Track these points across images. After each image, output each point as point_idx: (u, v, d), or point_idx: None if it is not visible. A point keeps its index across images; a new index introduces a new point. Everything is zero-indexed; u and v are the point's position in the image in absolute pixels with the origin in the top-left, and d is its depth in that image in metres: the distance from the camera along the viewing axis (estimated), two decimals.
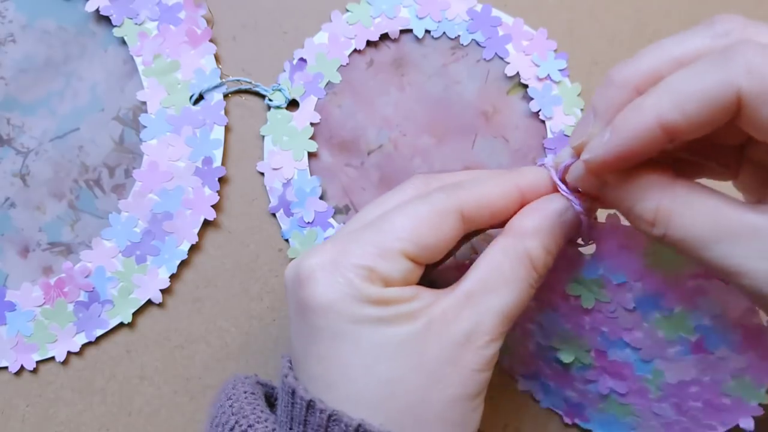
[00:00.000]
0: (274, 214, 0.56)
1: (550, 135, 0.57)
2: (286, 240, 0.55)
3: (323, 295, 0.39)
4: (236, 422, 0.40)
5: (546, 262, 0.41)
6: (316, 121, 0.57)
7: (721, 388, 0.45)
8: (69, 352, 0.54)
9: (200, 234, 0.55)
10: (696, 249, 0.35)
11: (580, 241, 0.44)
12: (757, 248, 0.34)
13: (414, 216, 0.40)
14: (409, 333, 0.38)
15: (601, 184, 0.39)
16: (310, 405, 0.38)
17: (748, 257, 0.34)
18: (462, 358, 0.39)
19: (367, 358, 0.38)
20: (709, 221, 0.35)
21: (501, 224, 0.42)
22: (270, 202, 0.56)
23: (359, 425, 0.37)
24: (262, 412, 0.41)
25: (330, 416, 0.37)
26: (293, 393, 0.39)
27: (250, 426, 0.39)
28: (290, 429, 0.39)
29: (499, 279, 0.40)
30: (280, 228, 0.55)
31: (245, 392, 0.42)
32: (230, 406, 0.42)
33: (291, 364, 0.42)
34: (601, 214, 0.43)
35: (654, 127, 0.35)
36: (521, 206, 0.42)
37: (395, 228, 0.40)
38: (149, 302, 0.54)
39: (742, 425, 0.46)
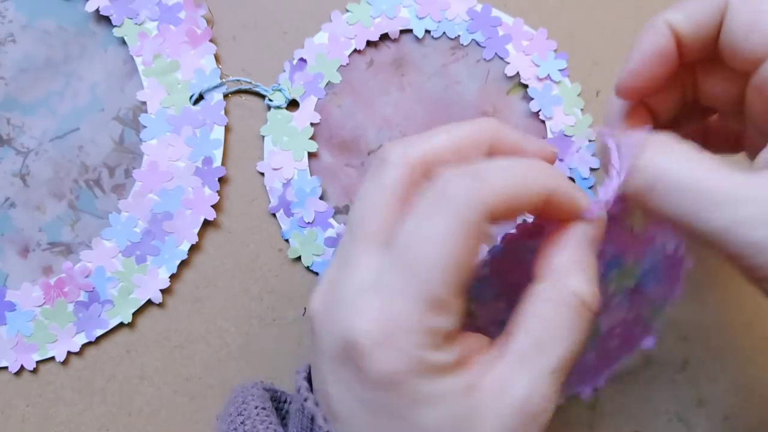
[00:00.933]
0: (274, 214, 0.56)
1: (550, 135, 0.57)
2: (286, 240, 0.55)
3: (378, 365, 0.34)
4: None
5: (597, 294, 0.37)
6: (316, 121, 0.57)
7: (640, 321, 0.45)
8: (69, 352, 0.54)
9: (200, 234, 0.55)
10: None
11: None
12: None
13: (447, 241, 0.34)
14: (469, 412, 0.34)
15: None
16: None
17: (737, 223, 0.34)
18: (518, 428, 0.34)
19: None
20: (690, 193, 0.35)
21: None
22: (270, 202, 0.56)
23: None
24: (275, 431, 0.39)
25: None
26: (312, 419, 0.37)
27: None
28: None
29: (554, 335, 0.35)
30: (280, 228, 0.55)
31: (257, 407, 0.40)
32: (242, 423, 0.39)
33: (309, 383, 0.39)
34: None
35: (665, 31, 0.40)
36: (541, 206, 0.37)
37: (436, 266, 0.34)
38: (149, 302, 0.54)
39: (644, 346, 0.45)
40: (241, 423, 0.39)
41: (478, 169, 0.35)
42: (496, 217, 0.35)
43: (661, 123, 0.45)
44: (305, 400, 0.38)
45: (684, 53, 0.41)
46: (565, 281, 0.36)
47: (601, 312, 0.43)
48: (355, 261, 0.36)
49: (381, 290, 0.34)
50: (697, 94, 0.45)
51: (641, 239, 0.42)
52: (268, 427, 0.39)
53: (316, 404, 0.38)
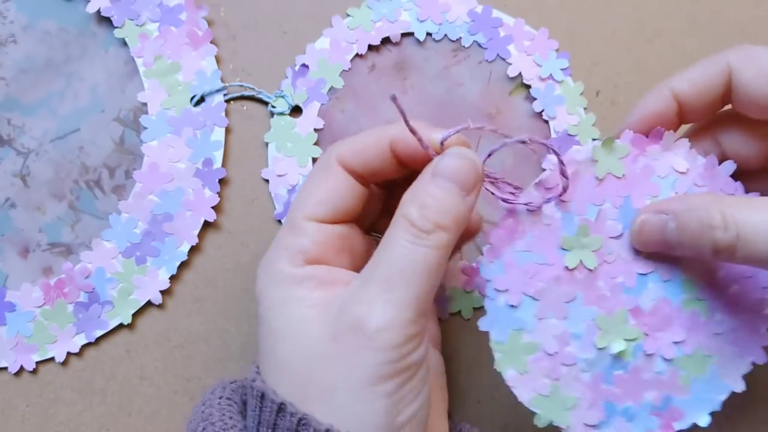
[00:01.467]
0: (274, 216, 0.55)
1: (553, 135, 0.57)
2: None
3: (257, 286, 0.43)
4: (203, 429, 0.40)
5: (425, 216, 0.40)
6: (320, 126, 0.57)
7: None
8: (68, 353, 0.54)
9: (200, 235, 0.55)
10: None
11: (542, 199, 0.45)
12: None
13: (307, 184, 0.45)
14: (303, 316, 0.40)
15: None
16: (280, 408, 0.38)
17: None
18: (343, 341, 0.39)
19: (273, 340, 0.41)
20: None
21: (383, 168, 0.45)
22: (275, 208, 0.56)
23: (327, 430, 0.37)
24: (230, 418, 0.41)
25: (300, 420, 0.38)
26: (262, 396, 0.39)
27: None
28: None
29: (383, 250, 0.40)
30: None
31: (220, 398, 0.43)
32: (202, 411, 0.42)
33: (258, 369, 0.42)
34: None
35: (667, 96, 0.45)
36: (392, 154, 0.44)
37: (296, 203, 0.45)
38: (149, 303, 0.54)
39: None
40: (202, 411, 0.42)
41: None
42: (348, 160, 0.44)
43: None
44: (253, 380, 0.41)
45: (688, 115, 0.46)
46: (402, 209, 0.41)
47: (663, 260, 0.45)
48: None
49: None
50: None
51: (635, 177, 0.45)
52: (223, 415, 0.41)
53: (264, 383, 0.41)
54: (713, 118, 0.47)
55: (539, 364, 0.45)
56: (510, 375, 0.45)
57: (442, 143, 0.42)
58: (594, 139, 0.47)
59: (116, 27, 0.56)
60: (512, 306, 0.45)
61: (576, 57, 0.58)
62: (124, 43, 0.57)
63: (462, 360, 0.55)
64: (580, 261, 0.45)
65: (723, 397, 0.45)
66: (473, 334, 0.55)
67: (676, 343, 0.45)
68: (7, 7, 0.57)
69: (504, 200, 0.45)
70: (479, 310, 0.55)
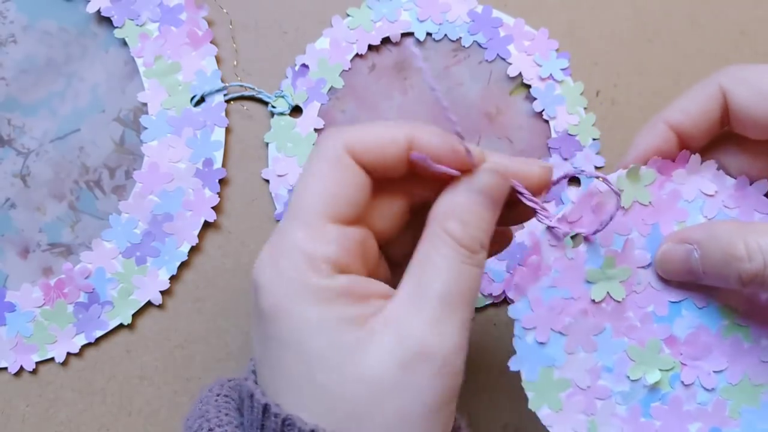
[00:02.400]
0: (274, 215, 0.55)
1: (554, 134, 0.57)
2: None
3: (268, 299, 0.37)
4: (199, 426, 0.39)
5: (472, 235, 0.39)
6: (320, 126, 0.57)
7: None
8: (69, 353, 0.54)
9: (200, 235, 0.55)
10: None
11: (562, 229, 0.44)
12: None
13: (316, 178, 0.39)
14: (354, 341, 0.37)
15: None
16: (265, 409, 0.37)
17: None
18: (414, 368, 0.36)
19: (310, 366, 0.37)
20: None
21: (394, 168, 0.41)
22: (275, 208, 0.56)
23: (312, 430, 0.36)
24: (226, 415, 0.40)
25: (284, 420, 0.37)
26: (251, 397, 0.38)
27: (210, 430, 0.39)
28: None
29: (433, 272, 0.38)
30: None
31: (217, 395, 0.42)
32: (199, 408, 0.41)
33: (255, 370, 0.41)
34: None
35: (662, 128, 0.44)
36: (408, 150, 0.40)
37: (308, 200, 0.39)
38: (149, 303, 0.54)
39: None
40: (199, 408, 0.41)
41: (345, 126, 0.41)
42: (358, 153, 0.39)
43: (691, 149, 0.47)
44: (246, 379, 0.39)
45: (689, 143, 0.45)
46: (443, 224, 0.39)
47: (696, 289, 0.44)
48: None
49: (274, 233, 0.39)
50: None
51: (662, 205, 0.45)
52: (219, 412, 0.40)
53: (256, 383, 0.40)
54: (711, 141, 0.46)
55: (573, 399, 0.44)
56: (545, 414, 0.44)
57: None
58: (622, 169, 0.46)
59: (116, 27, 0.56)
60: (541, 343, 0.44)
61: (576, 57, 0.58)
62: (124, 43, 0.57)
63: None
64: (607, 293, 0.44)
65: None
66: (474, 335, 0.55)
67: (717, 372, 0.44)
68: (7, 7, 0.57)
69: (542, 218, 0.43)
70: (480, 311, 0.55)
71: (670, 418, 0.44)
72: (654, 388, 0.44)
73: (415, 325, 0.37)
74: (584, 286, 0.44)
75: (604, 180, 0.43)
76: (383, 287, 0.39)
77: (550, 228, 0.43)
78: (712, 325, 0.44)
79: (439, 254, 0.38)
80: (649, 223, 0.44)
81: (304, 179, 0.39)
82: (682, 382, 0.44)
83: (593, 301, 0.44)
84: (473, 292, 0.39)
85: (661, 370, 0.44)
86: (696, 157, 0.44)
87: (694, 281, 0.42)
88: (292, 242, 0.38)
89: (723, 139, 0.46)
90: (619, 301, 0.44)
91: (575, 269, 0.44)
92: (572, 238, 0.44)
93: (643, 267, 0.44)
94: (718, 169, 0.45)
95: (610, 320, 0.44)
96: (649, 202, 0.44)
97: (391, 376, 0.36)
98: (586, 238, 0.44)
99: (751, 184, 0.44)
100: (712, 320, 0.44)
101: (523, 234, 0.55)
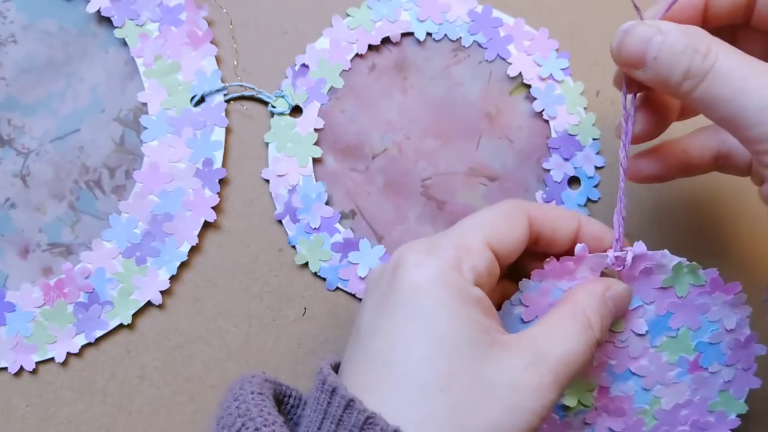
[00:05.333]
0: (274, 215, 0.55)
1: (554, 134, 0.57)
2: (293, 246, 0.55)
3: (415, 275, 0.41)
4: (243, 425, 0.39)
5: (601, 326, 0.44)
6: (320, 126, 0.57)
7: (708, 406, 0.49)
8: (68, 353, 0.54)
9: (200, 235, 0.55)
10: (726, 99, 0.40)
11: (610, 264, 0.47)
12: None
13: (488, 214, 0.45)
14: (479, 341, 0.40)
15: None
16: (349, 404, 0.38)
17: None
18: (517, 386, 0.39)
19: (433, 344, 0.39)
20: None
21: (560, 248, 0.47)
22: (276, 209, 0.56)
23: (396, 430, 0.37)
24: (269, 414, 0.40)
25: (367, 418, 0.37)
26: (333, 391, 0.39)
27: (257, 429, 0.38)
28: (318, 429, 0.39)
29: (562, 332, 0.42)
30: (281, 229, 0.55)
31: (252, 392, 0.41)
32: (237, 407, 0.41)
33: (332, 366, 0.43)
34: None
35: None
36: (575, 238, 0.47)
37: (475, 223, 0.45)
38: (149, 303, 0.54)
39: None
40: (236, 407, 0.40)
41: None
42: (534, 219, 0.46)
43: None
44: (327, 375, 0.40)
45: (711, 11, 0.46)
46: (581, 304, 0.44)
47: (657, 379, 0.49)
48: None
49: (432, 237, 0.45)
50: None
51: (689, 305, 0.48)
52: (262, 411, 0.40)
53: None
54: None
55: None
56: None
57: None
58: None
59: (116, 27, 0.56)
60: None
61: (576, 57, 0.58)
62: (124, 43, 0.57)
63: None
64: None
65: None
66: None
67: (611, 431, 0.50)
68: (7, 7, 0.57)
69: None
70: None
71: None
72: (567, 408, 0.49)
73: (528, 355, 0.41)
74: None
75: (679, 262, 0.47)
76: (498, 320, 0.43)
77: (605, 257, 0.47)
78: (637, 402, 0.49)
79: (572, 329, 0.42)
80: (667, 309, 0.48)
81: (481, 213, 0.46)
82: (584, 421, 0.50)
83: None
84: (583, 366, 0.43)
85: (580, 402, 0.49)
86: (742, 296, 0.48)
87: (635, 68, 0.43)
88: (451, 242, 0.43)
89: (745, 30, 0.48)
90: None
91: None
92: (607, 271, 0.48)
93: (635, 333, 0.48)
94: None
95: None
96: (681, 297, 0.48)
97: (499, 386, 0.39)
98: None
99: None
100: (641, 400, 0.49)
101: None
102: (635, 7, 0.43)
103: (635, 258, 0.46)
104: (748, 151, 0.41)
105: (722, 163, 0.50)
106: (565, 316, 0.43)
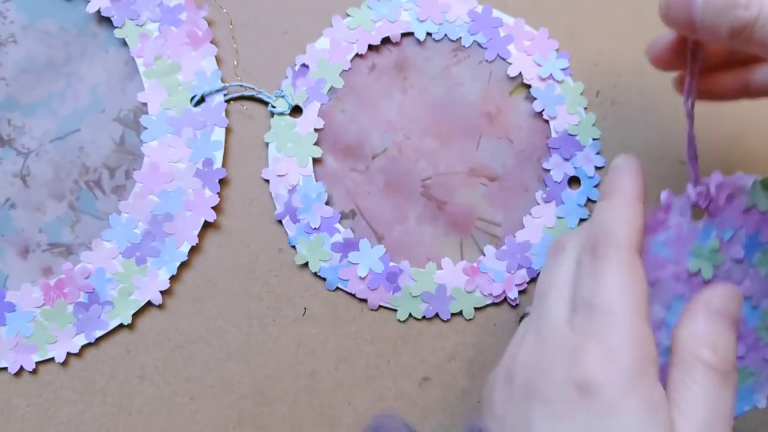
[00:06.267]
0: (274, 216, 0.55)
1: (554, 134, 0.57)
2: (293, 246, 0.55)
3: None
4: None
5: (724, 359, 0.41)
6: (320, 126, 0.57)
7: None
8: (68, 353, 0.54)
9: (200, 235, 0.55)
10: None
11: (695, 200, 0.47)
12: None
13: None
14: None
15: None
16: None
17: None
18: None
19: None
20: None
21: None
22: (276, 209, 0.56)
23: None
24: None
25: None
26: None
27: None
28: None
29: (695, 399, 0.40)
30: (281, 229, 0.55)
31: None
32: None
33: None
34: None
35: None
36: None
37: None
38: (149, 303, 0.54)
39: None
40: None
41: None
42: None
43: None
44: None
45: None
46: (695, 353, 0.41)
47: (761, 295, 0.48)
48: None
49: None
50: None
51: None
52: None
53: None
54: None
55: None
56: None
57: None
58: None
59: (116, 27, 0.56)
60: None
61: (576, 57, 0.58)
62: (124, 43, 0.57)
63: (462, 360, 0.55)
64: (700, 269, 0.47)
65: (747, 408, 0.49)
66: (474, 335, 0.55)
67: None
68: (7, 7, 0.57)
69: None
70: (480, 311, 0.55)
71: None
72: None
73: None
74: (687, 255, 0.47)
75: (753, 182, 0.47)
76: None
77: (689, 197, 0.46)
78: (751, 321, 0.48)
79: (698, 385, 0.40)
80: (756, 228, 0.47)
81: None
82: None
83: (688, 270, 0.47)
84: (732, 411, 0.41)
85: None
86: None
87: (688, 34, 0.43)
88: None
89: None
90: (705, 280, 0.47)
91: (687, 239, 0.47)
92: (695, 210, 0.47)
93: (735, 261, 0.47)
94: None
95: (691, 291, 0.47)
96: (765, 211, 0.47)
97: None
98: (709, 217, 0.47)
99: None
100: (754, 318, 0.48)
101: (525, 233, 0.55)
102: None
103: (717, 188, 0.46)
104: None
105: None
106: (681, 377, 0.41)
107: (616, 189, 0.46)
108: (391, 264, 0.55)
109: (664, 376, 0.45)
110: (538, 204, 0.56)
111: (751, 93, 0.50)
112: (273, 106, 0.56)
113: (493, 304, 0.55)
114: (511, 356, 0.45)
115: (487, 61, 0.58)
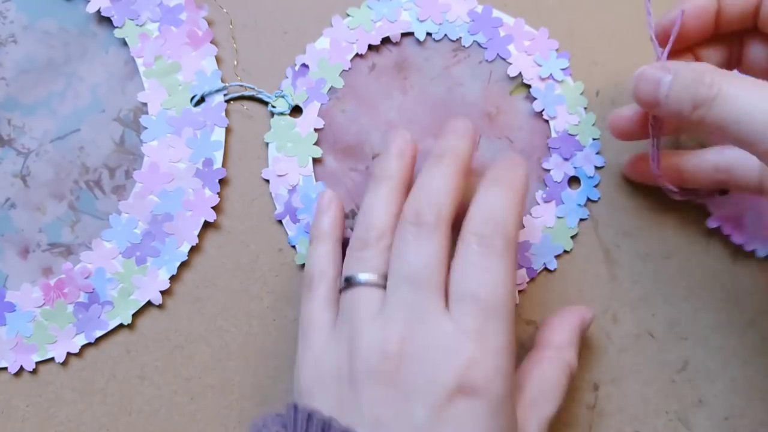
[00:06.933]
0: (274, 215, 0.55)
1: (554, 134, 0.57)
2: (293, 246, 0.55)
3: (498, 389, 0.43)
4: None
5: (575, 367, 0.49)
6: (320, 126, 0.57)
7: None
8: (68, 353, 0.54)
9: (200, 235, 0.55)
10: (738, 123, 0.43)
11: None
12: None
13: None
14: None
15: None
16: (309, 417, 0.42)
17: None
18: None
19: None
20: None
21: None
22: (276, 208, 0.56)
23: (345, 429, 0.40)
24: None
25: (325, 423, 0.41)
26: (309, 417, 0.42)
27: None
28: None
29: (552, 389, 0.47)
30: (281, 229, 0.55)
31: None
32: None
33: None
34: None
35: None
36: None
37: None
38: (149, 303, 0.54)
39: None
40: None
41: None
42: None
43: None
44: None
45: (723, 16, 0.49)
46: (563, 354, 0.49)
47: None
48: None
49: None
50: (740, 63, 0.53)
51: None
52: None
53: None
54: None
55: None
56: None
57: None
58: None
59: (116, 27, 0.56)
60: None
61: (576, 57, 0.58)
62: (124, 43, 0.57)
63: None
64: None
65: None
66: None
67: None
68: (7, 7, 0.57)
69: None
70: None
71: None
72: None
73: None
74: None
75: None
76: None
77: None
78: None
79: (559, 379, 0.48)
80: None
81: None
82: None
83: None
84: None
85: None
86: None
87: (653, 107, 0.47)
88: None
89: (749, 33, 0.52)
90: None
91: None
92: None
93: None
94: None
95: None
96: None
97: None
98: None
99: None
100: None
101: (525, 233, 0.55)
102: (652, 40, 0.49)
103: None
104: (766, 164, 0.43)
105: (723, 177, 0.54)
106: (549, 370, 0.48)
107: (452, 151, 0.49)
108: None
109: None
110: (538, 204, 0.56)
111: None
112: (273, 106, 0.57)
113: None
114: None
115: (487, 61, 0.58)
